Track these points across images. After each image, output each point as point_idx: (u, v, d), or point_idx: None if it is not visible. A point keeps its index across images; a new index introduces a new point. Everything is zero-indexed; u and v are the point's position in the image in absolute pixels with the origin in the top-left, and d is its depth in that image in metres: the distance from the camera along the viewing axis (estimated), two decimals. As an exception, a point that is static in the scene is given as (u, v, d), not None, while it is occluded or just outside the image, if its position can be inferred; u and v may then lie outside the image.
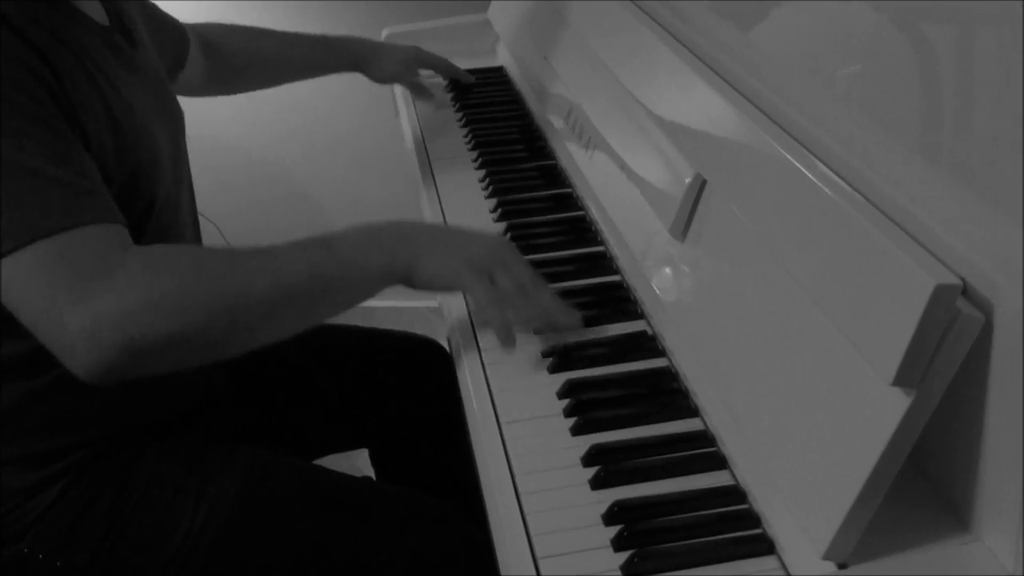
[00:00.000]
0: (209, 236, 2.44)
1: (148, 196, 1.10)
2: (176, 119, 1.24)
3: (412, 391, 1.40)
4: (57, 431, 1.09)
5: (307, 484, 1.16)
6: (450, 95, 1.76)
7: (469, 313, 1.13)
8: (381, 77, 1.69)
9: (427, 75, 1.76)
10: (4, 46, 0.93)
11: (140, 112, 1.10)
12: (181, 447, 1.15)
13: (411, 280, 1.03)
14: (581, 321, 1.09)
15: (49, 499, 1.08)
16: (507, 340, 1.04)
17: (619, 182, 1.22)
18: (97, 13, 1.12)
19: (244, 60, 1.61)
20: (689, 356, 1.02)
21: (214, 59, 1.55)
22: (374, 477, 1.49)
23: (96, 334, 0.88)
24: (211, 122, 2.24)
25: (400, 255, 1.03)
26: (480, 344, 1.09)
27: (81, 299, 0.88)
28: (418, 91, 1.73)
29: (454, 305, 1.15)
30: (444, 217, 1.37)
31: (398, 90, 1.82)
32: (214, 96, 1.63)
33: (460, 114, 1.68)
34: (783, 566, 0.80)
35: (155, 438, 1.15)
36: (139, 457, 1.13)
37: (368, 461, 1.50)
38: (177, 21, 1.47)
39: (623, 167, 1.20)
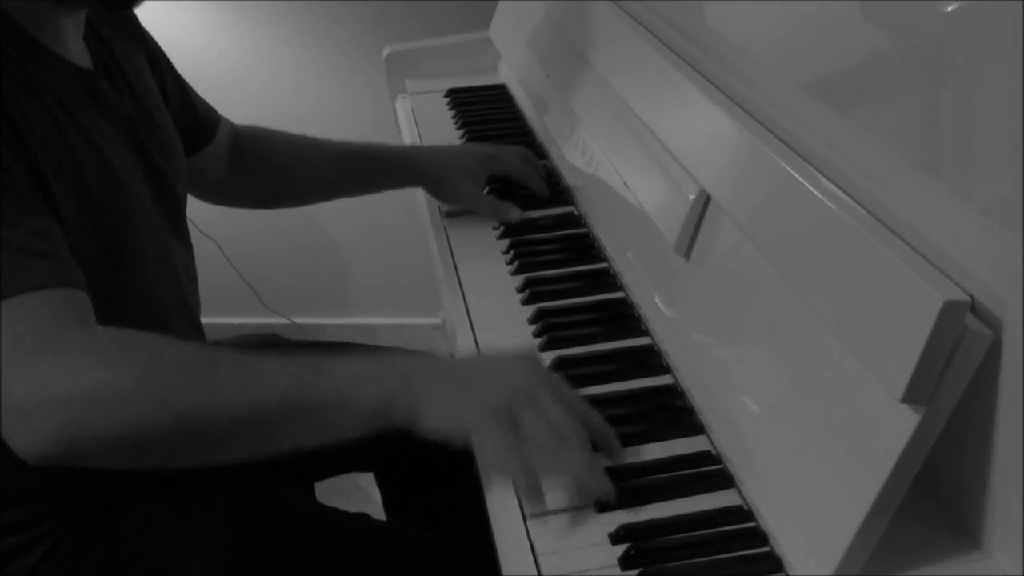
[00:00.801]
0: (209, 254, 2.45)
1: (120, 247, 1.03)
2: (163, 165, 1.15)
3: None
4: (44, 491, 1.05)
5: (302, 526, 1.13)
6: (451, 112, 1.76)
7: (475, 337, 1.12)
8: (454, 198, 1.43)
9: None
10: None
11: (112, 159, 1.04)
12: (170, 497, 1.11)
13: (415, 425, 0.86)
14: (613, 492, 0.87)
15: (33, 560, 1.05)
16: (532, 495, 0.84)
17: (623, 199, 1.22)
18: (80, 57, 1.06)
19: (274, 173, 1.44)
20: (694, 373, 1.01)
21: (237, 162, 1.42)
22: (379, 500, 1.48)
23: (33, 414, 0.80)
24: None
25: (400, 396, 0.86)
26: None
27: (22, 374, 0.80)
28: (496, 213, 1.39)
29: (458, 323, 1.15)
30: (447, 234, 1.37)
31: (400, 109, 1.82)
32: (244, 208, 1.49)
33: (462, 131, 1.68)
34: (792, 585, 0.80)
35: (144, 490, 1.11)
36: (127, 511, 1.09)
37: (372, 480, 1.49)
38: (212, 109, 1.38)
39: (626, 184, 1.20)
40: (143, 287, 1.08)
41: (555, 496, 0.87)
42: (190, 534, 1.08)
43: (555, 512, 0.87)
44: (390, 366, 0.88)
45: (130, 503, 1.09)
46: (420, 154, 1.48)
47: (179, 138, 1.22)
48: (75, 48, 1.05)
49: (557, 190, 1.44)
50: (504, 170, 1.43)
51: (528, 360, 0.94)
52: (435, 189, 1.43)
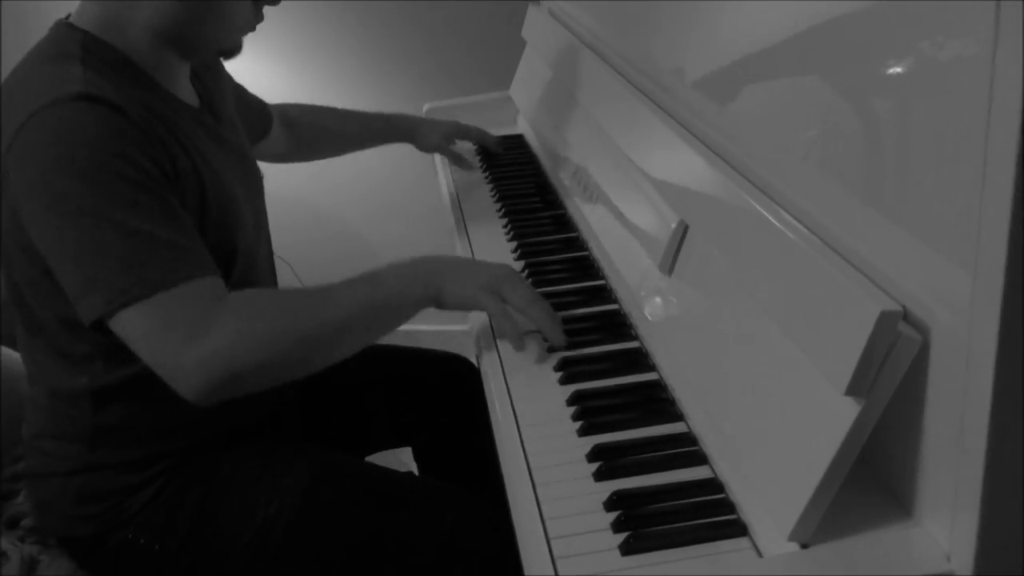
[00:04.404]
0: (284, 274, 2.45)
1: (230, 247, 1.10)
2: (256, 183, 1.24)
3: (448, 399, 1.40)
4: (155, 440, 1.10)
5: (361, 478, 1.16)
6: (478, 158, 1.76)
7: (494, 338, 1.12)
8: (427, 147, 1.70)
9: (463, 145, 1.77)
10: (113, 125, 0.94)
11: (225, 178, 1.09)
12: (256, 450, 1.15)
13: (440, 303, 1.05)
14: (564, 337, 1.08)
15: (149, 495, 1.09)
16: (517, 344, 1.07)
17: (617, 227, 1.21)
18: (189, 96, 1.12)
19: (317, 135, 1.62)
20: (675, 370, 1.01)
21: (293, 133, 1.57)
22: (416, 471, 1.48)
23: (207, 365, 0.91)
24: (289, 184, 2.26)
25: (431, 284, 1.04)
26: (504, 364, 1.08)
27: (192, 339, 0.91)
28: (456, 160, 1.71)
29: (482, 332, 1.15)
30: (473, 256, 1.37)
31: (437, 158, 1.82)
32: (294, 163, 1.63)
33: (487, 173, 1.68)
34: (755, 546, 0.78)
35: (234, 443, 1.14)
36: (221, 459, 1.12)
37: (411, 456, 1.49)
38: (262, 101, 1.47)
39: (620, 215, 1.20)
40: (247, 276, 1.14)
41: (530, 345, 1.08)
42: (271, 479, 1.11)
43: (529, 332, 1.09)
44: (421, 268, 1.06)
45: (223, 455, 1.13)
46: (411, 119, 1.71)
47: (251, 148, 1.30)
48: (186, 90, 1.12)
49: (563, 220, 1.44)
50: (465, 133, 1.72)
51: (502, 264, 1.11)
52: (415, 140, 1.68)
